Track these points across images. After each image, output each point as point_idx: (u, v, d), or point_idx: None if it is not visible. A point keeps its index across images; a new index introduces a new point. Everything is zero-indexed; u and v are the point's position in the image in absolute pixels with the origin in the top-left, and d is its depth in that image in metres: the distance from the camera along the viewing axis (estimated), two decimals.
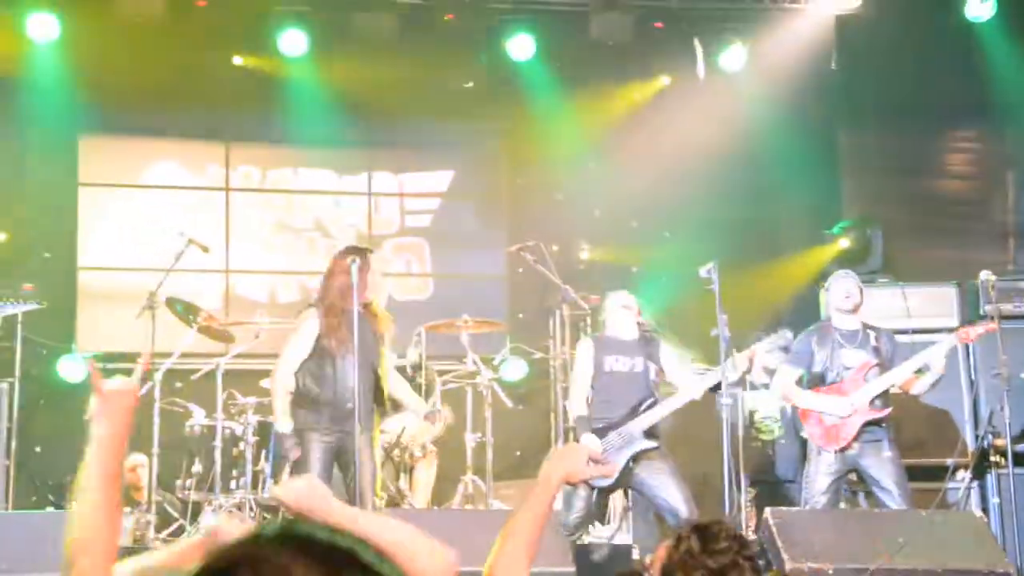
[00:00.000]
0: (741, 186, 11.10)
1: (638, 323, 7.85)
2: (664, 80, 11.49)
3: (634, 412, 7.49)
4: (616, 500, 8.71)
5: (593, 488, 7.38)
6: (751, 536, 7.08)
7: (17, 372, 9.30)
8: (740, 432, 7.98)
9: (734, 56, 10.79)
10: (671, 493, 7.34)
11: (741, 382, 8.60)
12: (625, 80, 11.32)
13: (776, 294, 11.04)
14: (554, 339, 10.61)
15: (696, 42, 10.76)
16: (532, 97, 11.20)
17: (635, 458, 7.44)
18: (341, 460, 7.25)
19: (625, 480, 7.50)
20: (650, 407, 7.51)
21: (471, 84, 11.49)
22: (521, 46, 10.70)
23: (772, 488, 9.29)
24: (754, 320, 9.89)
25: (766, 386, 8.98)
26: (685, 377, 7.74)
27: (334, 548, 1.42)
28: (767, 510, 7.05)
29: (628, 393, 7.59)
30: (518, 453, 10.65)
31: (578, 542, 7.60)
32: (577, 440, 7.57)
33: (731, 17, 10.86)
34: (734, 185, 11.04)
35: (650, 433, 7.49)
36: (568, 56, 11.00)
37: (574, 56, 11.01)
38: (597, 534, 8.59)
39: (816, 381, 7.83)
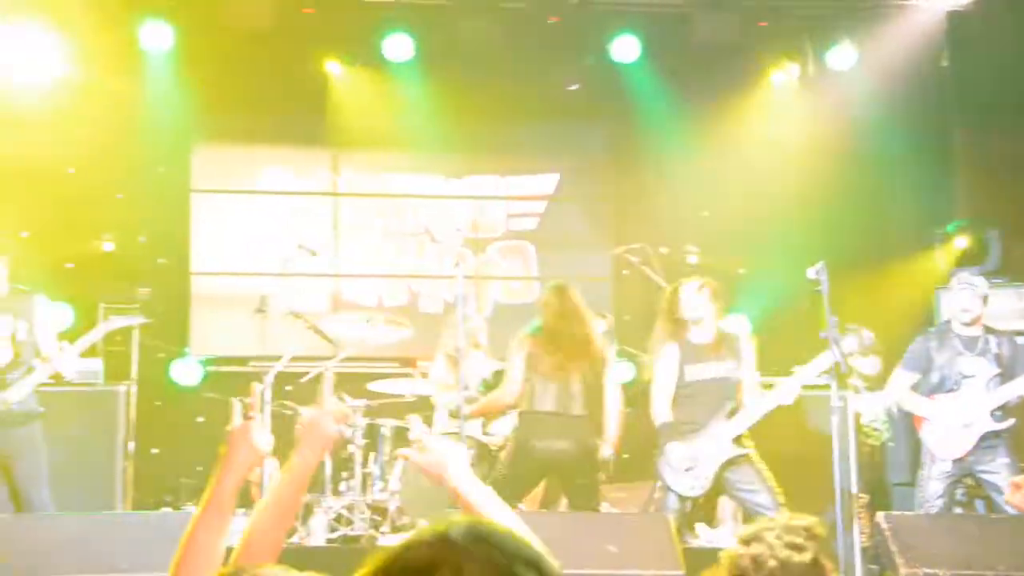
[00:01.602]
0: (851, 186, 10.92)
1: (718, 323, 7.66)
2: (771, 79, 11.36)
3: (719, 416, 7.38)
4: (727, 502, 8.61)
5: (684, 497, 7.30)
6: (864, 543, 6.97)
7: (134, 375, 9.52)
8: (850, 435, 7.84)
9: (843, 54, 10.64)
10: (763, 497, 7.23)
11: (847, 385, 8.46)
12: (732, 80, 11.19)
13: (888, 295, 10.83)
14: None
15: (804, 41, 10.63)
16: (637, 99, 11.16)
17: (725, 464, 7.35)
18: None
19: (717, 486, 7.41)
20: (737, 412, 7.40)
21: (576, 87, 11.48)
22: (626, 48, 10.67)
23: (882, 493, 9.12)
24: (864, 322, 9.72)
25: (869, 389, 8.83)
26: (752, 385, 7.53)
27: (523, 561, 1.46)
28: (880, 515, 6.92)
29: (714, 399, 7.42)
30: (626, 456, 10.59)
31: (687, 546, 7.54)
32: (661, 448, 7.44)
33: (840, 15, 10.71)
34: (843, 185, 10.87)
35: (738, 439, 7.40)
36: (673, 57, 10.93)
37: (679, 57, 10.94)
38: (708, 538, 8.52)
39: (934, 387, 7.65)
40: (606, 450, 8.05)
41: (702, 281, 7.66)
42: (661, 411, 7.50)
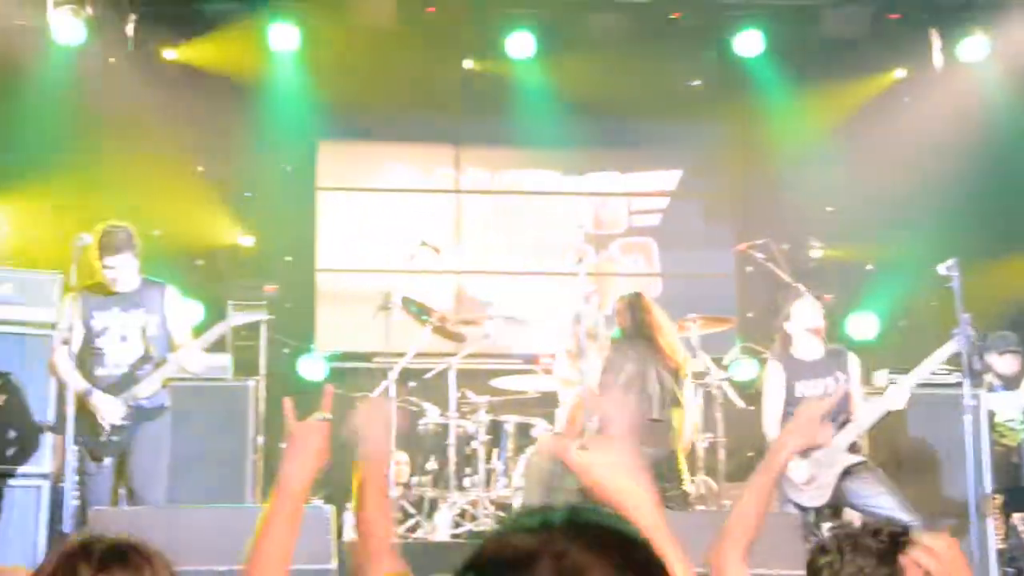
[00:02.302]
0: (982, 180, 10.67)
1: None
2: (899, 73, 11.14)
3: (833, 429, 7.24)
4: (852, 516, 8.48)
5: (805, 509, 7.21)
6: (999, 544, 6.81)
7: (262, 371, 9.68)
8: (983, 435, 7.66)
9: (975, 46, 10.39)
10: (886, 501, 7.10)
11: (980, 383, 8.27)
12: (858, 74, 11.00)
13: (1020, 291, 10.56)
14: None
15: (934, 33, 10.40)
16: (761, 94, 11.04)
17: (843, 474, 7.24)
18: None
19: (837, 497, 7.29)
20: (848, 421, 7.28)
21: (699, 82, 11.39)
22: (750, 42, 10.55)
23: (1019, 493, 8.88)
24: (997, 320, 9.49)
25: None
26: (861, 398, 7.41)
27: (630, 546, 1.42)
28: (1016, 516, 6.76)
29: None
30: (750, 454, 10.48)
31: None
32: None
33: (972, 6, 10.45)
34: (975, 179, 10.62)
35: (853, 447, 7.28)
36: (798, 51, 10.79)
37: (805, 51, 10.79)
38: None
39: None
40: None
41: (813, 297, 7.67)
42: (772, 429, 7.45)
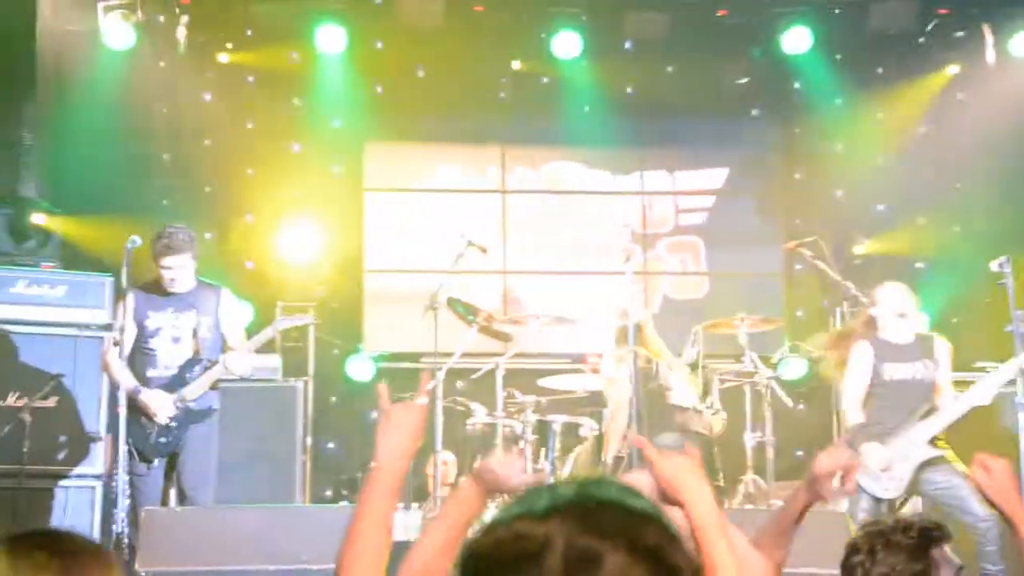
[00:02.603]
0: None
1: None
2: (951, 69, 11.00)
3: (916, 418, 7.18)
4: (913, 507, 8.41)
5: (879, 500, 7.13)
6: None
7: (311, 371, 9.75)
8: None
9: None
10: (963, 492, 6.99)
11: None
12: (908, 70, 10.87)
13: None
14: None
15: (985, 27, 10.28)
16: (809, 91, 10.97)
17: (922, 466, 7.15)
18: None
19: (914, 488, 7.21)
20: (932, 413, 7.19)
21: (746, 80, 11.33)
22: (797, 39, 10.47)
23: None
24: None
25: None
26: (949, 388, 7.30)
27: (642, 524, 1.38)
28: None
29: (909, 400, 7.23)
30: (799, 453, 10.43)
31: None
32: (857, 449, 7.18)
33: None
34: None
35: (934, 440, 7.19)
36: (846, 48, 10.71)
37: (853, 47, 10.70)
38: None
39: None
40: None
41: (904, 288, 7.50)
42: (854, 412, 7.31)
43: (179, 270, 7.25)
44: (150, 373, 7.25)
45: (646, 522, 1.39)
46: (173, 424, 7.20)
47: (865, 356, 7.33)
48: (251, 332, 7.61)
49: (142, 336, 7.24)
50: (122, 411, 6.96)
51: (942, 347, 7.37)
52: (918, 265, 11.12)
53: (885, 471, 7.08)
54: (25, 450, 7.70)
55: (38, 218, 9.42)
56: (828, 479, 2.91)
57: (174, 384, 7.25)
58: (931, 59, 10.90)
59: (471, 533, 1.45)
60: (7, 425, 7.81)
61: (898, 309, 7.34)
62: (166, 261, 7.20)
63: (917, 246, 11.15)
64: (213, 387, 7.39)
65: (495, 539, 1.39)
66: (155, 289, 7.33)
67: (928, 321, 10.38)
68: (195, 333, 7.32)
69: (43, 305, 8.28)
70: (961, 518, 6.97)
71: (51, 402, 8.05)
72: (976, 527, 6.81)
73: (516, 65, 11.22)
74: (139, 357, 7.21)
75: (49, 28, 9.74)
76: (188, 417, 7.25)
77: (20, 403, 7.91)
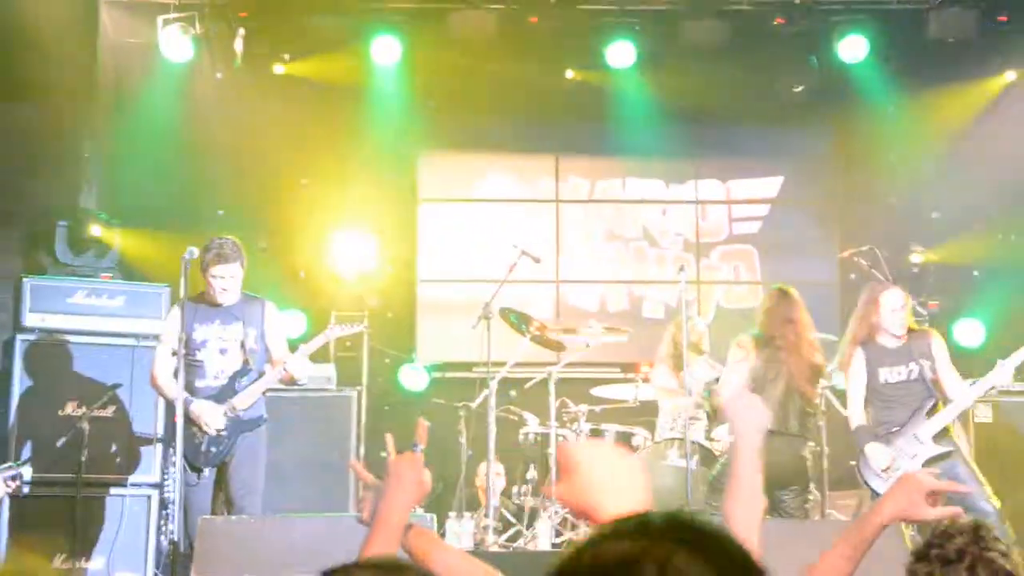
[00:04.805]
0: None
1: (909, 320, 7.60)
2: (1009, 76, 10.87)
3: (919, 415, 7.27)
4: None
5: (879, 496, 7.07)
6: None
7: (364, 380, 9.80)
8: None
9: None
10: (974, 492, 6.99)
11: None
12: (966, 78, 10.75)
13: None
14: None
15: None
16: (865, 99, 10.88)
17: (928, 463, 7.16)
18: None
19: None
20: (935, 409, 7.29)
21: (801, 88, 11.26)
22: (853, 47, 10.37)
23: None
24: None
25: None
26: (953, 378, 7.45)
27: (732, 551, 1.38)
28: None
29: (908, 398, 7.42)
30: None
31: None
32: (862, 451, 7.42)
33: None
34: None
35: (939, 437, 7.23)
36: (904, 56, 10.59)
37: (910, 55, 10.59)
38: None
39: None
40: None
41: (904, 295, 7.64)
42: (855, 415, 7.53)
43: (230, 279, 7.33)
44: (199, 384, 7.33)
45: (735, 548, 1.40)
46: (224, 434, 7.27)
47: (858, 362, 7.57)
48: (305, 342, 7.68)
49: (190, 348, 7.32)
50: (179, 421, 7.05)
51: (937, 343, 7.54)
52: (975, 273, 11.01)
53: (888, 470, 7.13)
54: (83, 459, 7.82)
55: (96, 230, 9.55)
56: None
57: (223, 395, 7.33)
58: (989, 66, 10.79)
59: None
60: (66, 434, 7.93)
61: (896, 312, 7.49)
62: (217, 270, 7.28)
63: (973, 254, 11.03)
64: (262, 395, 7.47)
65: (585, 556, 1.40)
66: (202, 301, 7.42)
67: (983, 330, 10.31)
68: (242, 345, 7.39)
69: (101, 316, 8.42)
70: (967, 513, 6.90)
71: (108, 411, 8.17)
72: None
73: (570, 74, 11.22)
74: (188, 368, 7.29)
75: (109, 41, 9.90)
76: (238, 427, 7.32)
77: (79, 412, 8.04)
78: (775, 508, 7.80)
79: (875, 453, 7.27)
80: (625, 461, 2.36)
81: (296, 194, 11.11)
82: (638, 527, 1.39)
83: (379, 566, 2.01)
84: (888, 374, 7.47)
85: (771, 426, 7.63)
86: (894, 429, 7.36)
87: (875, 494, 7.20)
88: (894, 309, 7.50)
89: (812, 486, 8.25)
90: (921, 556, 2.87)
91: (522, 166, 12.06)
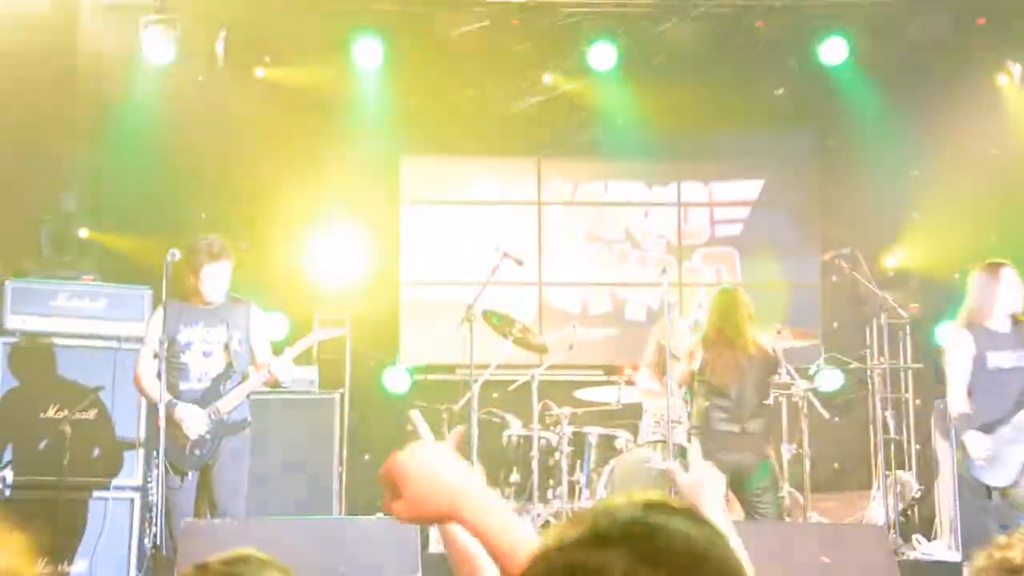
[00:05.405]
0: None
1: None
2: (989, 79, 10.92)
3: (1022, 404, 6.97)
4: (945, 513, 8.35)
5: (988, 488, 6.92)
6: None
7: (347, 383, 9.80)
8: None
9: None
10: None
11: None
12: (945, 80, 10.80)
13: None
14: (871, 348, 10.32)
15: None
16: (845, 102, 10.93)
17: None
18: None
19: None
20: None
21: (781, 91, 11.31)
22: (833, 50, 10.43)
23: None
24: None
25: None
26: None
27: (701, 560, 1.30)
28: None
29: (1014, 386, 7.01)
30: (836, 465, 10.41)
31: (904, 557, 7.33)
32: (959, 440, 7.06)
33: None
34: None
35: None
36: (883, 58, 10.65)
37: (889, 58, 10.64)
38: (924, 550, 8.28)
39: None
40: None
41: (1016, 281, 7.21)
42: (958, 402, 7.09)
43: (220, 277, 7.33)
44: (183, 386, 7.30)
45: (706, 557, 1.31)
46: (207, 436, 7.25)
47: (966, 345, 7.14)
48: (287, 344, 7.67)
49: (174, 350, 7.29)
50: (162, 424, 7.02)
51: None
52: (955, 276, 11.05)
53: (989, 459, 6.88)
54: (65, 462, 7.79)
55: (78, 231, 9.52)
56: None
57: (207, 397, 7.31)
58: (969, 69, 10.83)
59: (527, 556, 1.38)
60: (48, 437, 7.90)
61: (1008, 298, 7.14)
62: (210, 268, 7.27)
63: (953, 257, 11.07)
64: (246, 398, 7.45)
65: (548, 567, 1.32)
66: (187, 303, 7.40)
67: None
68: (226, 347, 7.37)
69: (83, 318, 8.38)
70: None
71: (90, 414, 8.14)
72: None
73: (551, 78, 11.24)
74: (172, 371, 7.26)
75: (90, 43, 9.86)
76: (221, 429, 7.30)
77: (60, 415, 8.01)
78: (748, 509, 7.80)
79: (974, 444, 6.90)
80: (435, 453, 2.13)
81: (278, 196, 11.09)
82: (599, 533, 1.31)
83: (225, 561, 2.02)
84: (997, 359, 7.06)
85: (731, 427, 7.71)
86: (998, 418, 6.97)
87: (977, 482, 6.94)
88: (1012, 284, 7.11)
89: (784, 485, 8.26)
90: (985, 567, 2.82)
91: (504, 168, 12.07)
